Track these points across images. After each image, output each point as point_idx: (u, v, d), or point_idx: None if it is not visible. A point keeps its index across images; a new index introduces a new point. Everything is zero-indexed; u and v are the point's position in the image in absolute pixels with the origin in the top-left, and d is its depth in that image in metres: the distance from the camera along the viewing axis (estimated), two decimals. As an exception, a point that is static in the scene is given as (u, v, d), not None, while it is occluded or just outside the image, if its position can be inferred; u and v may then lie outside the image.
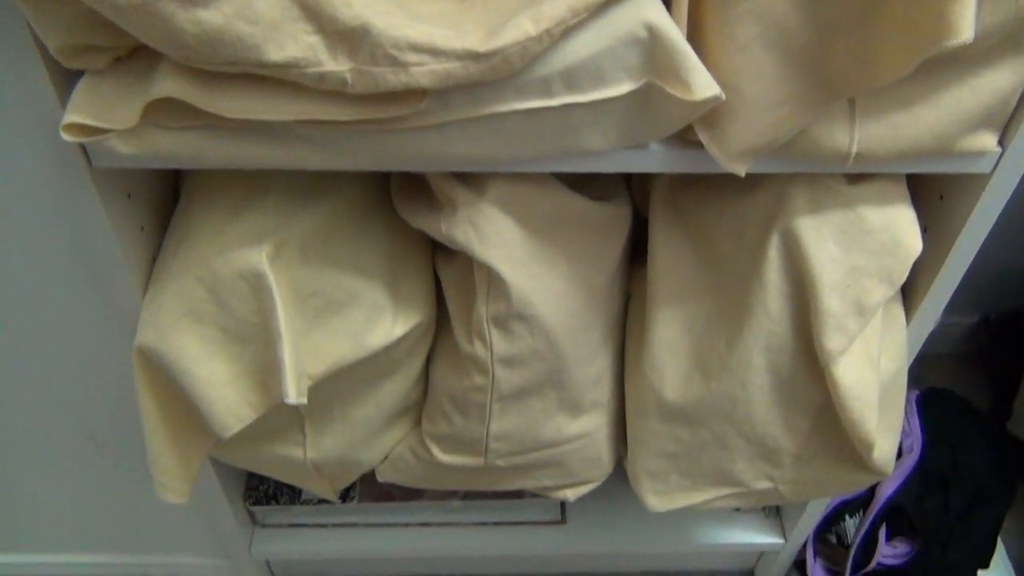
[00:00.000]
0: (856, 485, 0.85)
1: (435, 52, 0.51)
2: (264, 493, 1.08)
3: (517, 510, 1.13)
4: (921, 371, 1.50)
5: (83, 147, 0.61)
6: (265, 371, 0.70)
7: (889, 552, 1.13)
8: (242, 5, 0.49)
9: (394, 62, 0.51)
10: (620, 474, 0.92)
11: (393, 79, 0.52)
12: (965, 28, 0.47)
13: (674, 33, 0.55)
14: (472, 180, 0.68)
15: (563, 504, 1.14)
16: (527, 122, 0.58)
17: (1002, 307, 1.48)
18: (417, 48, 0.51)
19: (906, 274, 0.70)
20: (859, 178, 0.69)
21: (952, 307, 1.39)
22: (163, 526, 1.13)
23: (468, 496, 1.10)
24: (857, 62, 0.54)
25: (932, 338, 1.27)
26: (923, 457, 1.15)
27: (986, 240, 0.73)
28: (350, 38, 0.51)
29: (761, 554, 1.23)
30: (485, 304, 0.71)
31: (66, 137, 0.54)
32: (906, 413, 1.18)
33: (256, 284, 0.67)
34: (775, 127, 0.58)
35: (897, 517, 1.13)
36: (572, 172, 0.65)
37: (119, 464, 1.03)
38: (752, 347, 0.73)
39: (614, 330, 0.83)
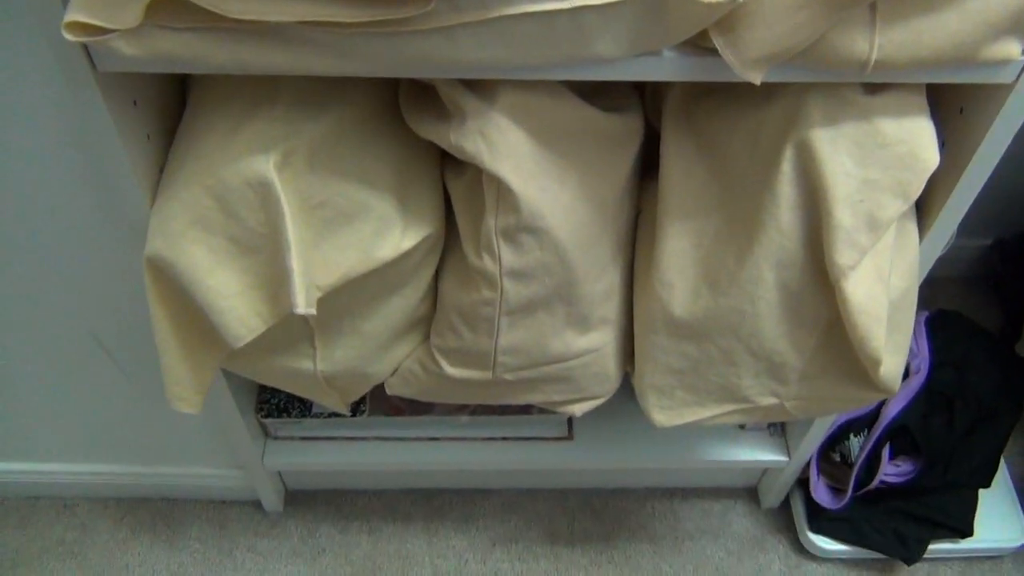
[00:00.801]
0: (862, 402, 0.85)
1: (444, -52, 0.50)
2: (276, 406, 1.09)
3: (524, 426, 1.14)
4: (931, 293, 1.50)
5: (87, 52, 0.60)
6: (274, 282, 0.70)
7: (892, 470, 1.15)
8: None
9: (402, -41, 0.50)
10: (626, 391, 0.92)
11: (401, -23, 0.50)
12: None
13: (691, -69, 0.53)
14: (482, 89, 0.67)
15: (570, 420, 1.16)
16: (538, 26, 0.56)
17: (1014, 230, 1.47)
18: (425, -56, 0.50)
19: (921, 188, 0.69)
20: (877, 89, 0.68)
21: (963, 230, 1.38)
22: (177, 437, 1.15)
23: (476, 412, 1.11)
24: (880, -38, 0.52)
25: (943, 261, 1.26)
26: (930, 377, 1.15)
27: (1000, 161, 0.71)
28: (356, -67, 0.49)
29: (765, 471, 1.25)
30: (494, 216, 0.70)
31: (68, 36, 0.53)
32: (914, 334, 1.18)
33: (264, 193, 0.66)
34: (793, 32, 0.57)
35: (901, 436, 1.14)
36: (584, 81, 0.64)
37: (132, 375, 1.04)
38: (762, 262, 0.72)
39: (623, 246, 0.82)
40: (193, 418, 1.07)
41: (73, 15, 0.53)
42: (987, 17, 0.58)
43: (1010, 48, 0.61)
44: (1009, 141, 0.69)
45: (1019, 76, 0.63)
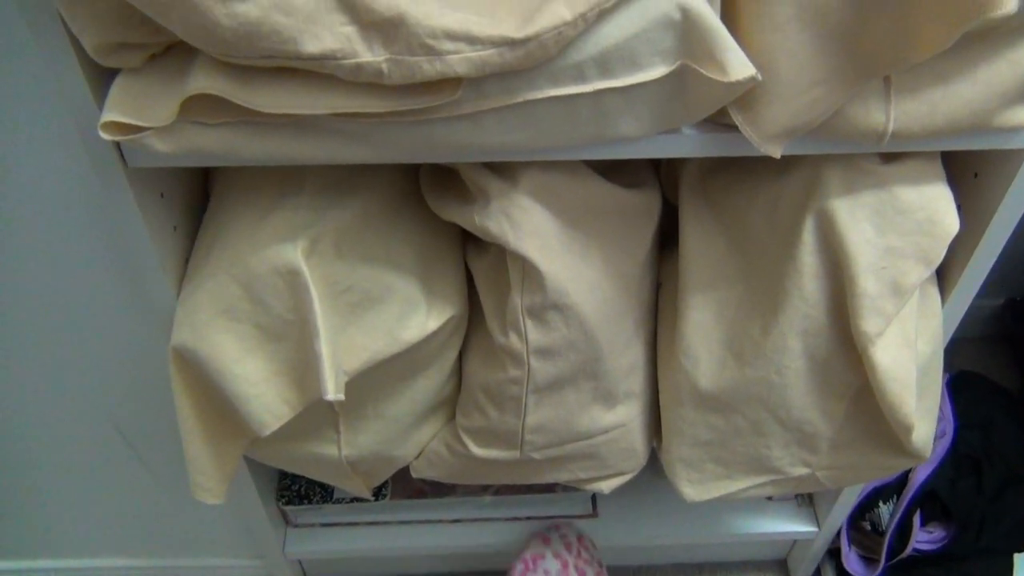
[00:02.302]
0: (894, 470, 0.84)
1: (471, 40, 0.51)
2: (297, 492, 1.08)
3: (549, 504, 1.13)
4: (950, 355, 1.50)
5: (118, 147, 0.61)
6: (302, 368, 0.70)
7: (924, 537, 1.13)
8: (278, -3, 0.49)
9: (430, 51, 0.51)
10: (652, 467, 0.91)
11: (429, 68, 0.52)
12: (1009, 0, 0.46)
13: (708, 14, 0.54)
14: (504, 170, 0.68)
15: (594, 497, 1.14)
16: (561, 109, 0.58)
17: (1027, 290, 1.47)
18: (453, 36, 0.51)
19: (943, 254, 0.69)
20: (893, 157, 0.69)
21: (978, 291, 1.38)
22: (196, 528, 1.14)
23: (500, 491, 1.09)
24: (895, 38, 0.53)
25: (959, 321, 1.26)
26: (955, 440, 1.14)
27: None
28: (385, 28, 0.51)
29: (794, 543, 1.23)
30: (520, 295, 0.70)
31: (104, 136, 0.54)
32: (938, 397, 1.17)
33: (292, 280, 0.67)
34: (811, 107, 0.58)
35: (931, 502, 1.12)
36: (604, 159, 0.65)
37: (153, 467, 1.03)
38: (787, 331, 0.72)
39: (646, 318, 0.83)
40: (214, 508, 1.06)
41: (110, 115, 0.54)
42: (999, 86, 0.59)
43: (1022, 115, 0.62)
44: (1026, 204, 0.70)
45: (1033, 141, 0.65)
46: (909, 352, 0.72)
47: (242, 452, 0.77)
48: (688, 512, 1.13)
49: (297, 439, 0.81)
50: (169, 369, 0.72)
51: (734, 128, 0.61)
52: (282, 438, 0.79)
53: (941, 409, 1.16)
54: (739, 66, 0.55)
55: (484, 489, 1.09)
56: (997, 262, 0.77)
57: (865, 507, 1.14)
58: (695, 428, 0.81)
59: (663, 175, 0.82)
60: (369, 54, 0.52)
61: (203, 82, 0.54)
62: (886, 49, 0.54)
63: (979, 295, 1.51)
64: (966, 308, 0.80)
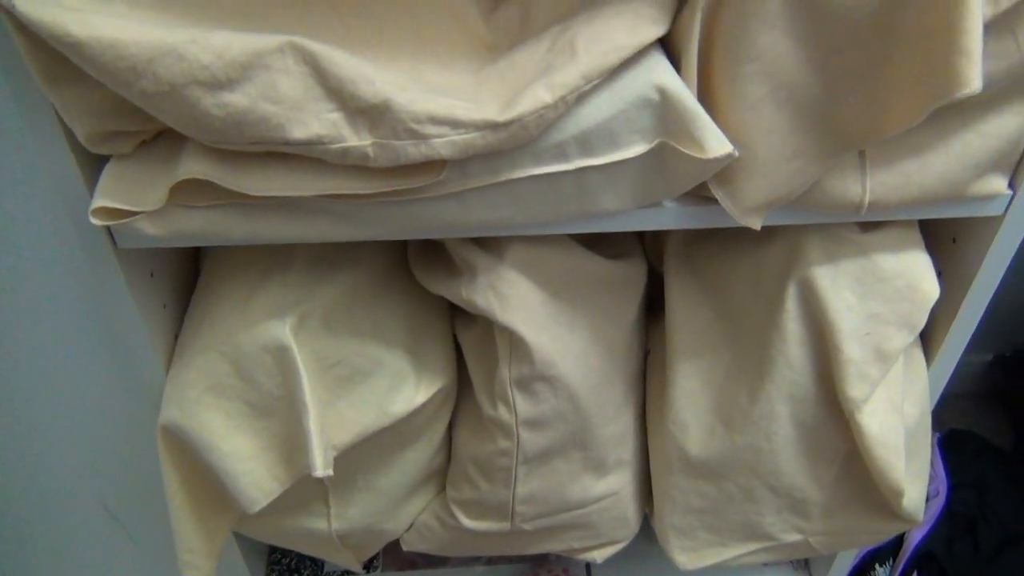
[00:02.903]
0: (887, 534, 0.84)
1: (455, 123, 0.53)
2: (287, 567, 1.06)
3: (542, 574, 1.11)
4: (940, 412, 1.50)
5: (108, 229, 0.62)
6: (291, 444, 0.70)
7: (922, 600, 1.12)
8: (266, 87, 0.50)
9: (415, 135, 0.52)
10: (645, 534, 0.91)
11: (414, 151, 0.53)
12: (974, 78, 0.48)
13: (685, 94, 0.56)
14: (490, 245, 0.69)
15: (588, 566, 1.13)
16: (544, 186, 0.59)
17: (1016, 344, 1.48)
18: (437, 120, 0.52)
19: (924, 319, 0.70)
20: (872, 226, 0.70)
21: (966, 347, 1.39)
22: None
23: (492, 561, 1.08)
24: (867, 114, 0.55)
25: (949, 379, 1.26)
26: (949, 500, 1.14)
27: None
28: (371, 114, 0.52)
29: (792, 608, 1.21)
30: (508, 367, 0.71)
31: (95, 221, 0.55)
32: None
33: (281, 357, 0.67)
34: (788, 181, 0.59)
35: (928, 564, 1.11)
36: (589, 232, 0.66)
37: (142, 545, 1.02)
38: (774, 398, 0.72)
39: (635, 387, 0.83)
40: (202, 585, 1.05)
41: (101, 201, 0.55)
42: (971, 157, 0.61)
43: (996, 184, 0.64)
44: (1004, 268, 0.71)
45: (1007, 208, 0.66)
46: (896, 416, 0.72)
47: (231, 528, 0.77)
48: (683, 579, 1.12)
49: (286, 514, 0.80)
50: (158, 447, 0.71)
51: (714, 201, 0.62)
52: (271, 513, 0.78)
53: (933, 468, 1.16)
54: (716, 143, 0.56)
55: (477, 559, 1.08)
56: (985, 318, 0.78)
57: (861, 571, 1.13)
58: (687, 496, 0.81)
59: (648, 245, 0.83)
60: (356, 139, 0.53)
61: (192, 167, 0.55)
62: (858, 125, 0.56)
63: (967, 352, 1.51)
64: (951, 370, 0.81)
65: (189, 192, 0.57)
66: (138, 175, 0.57)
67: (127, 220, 0.56)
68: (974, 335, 1.50)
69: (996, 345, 1.51)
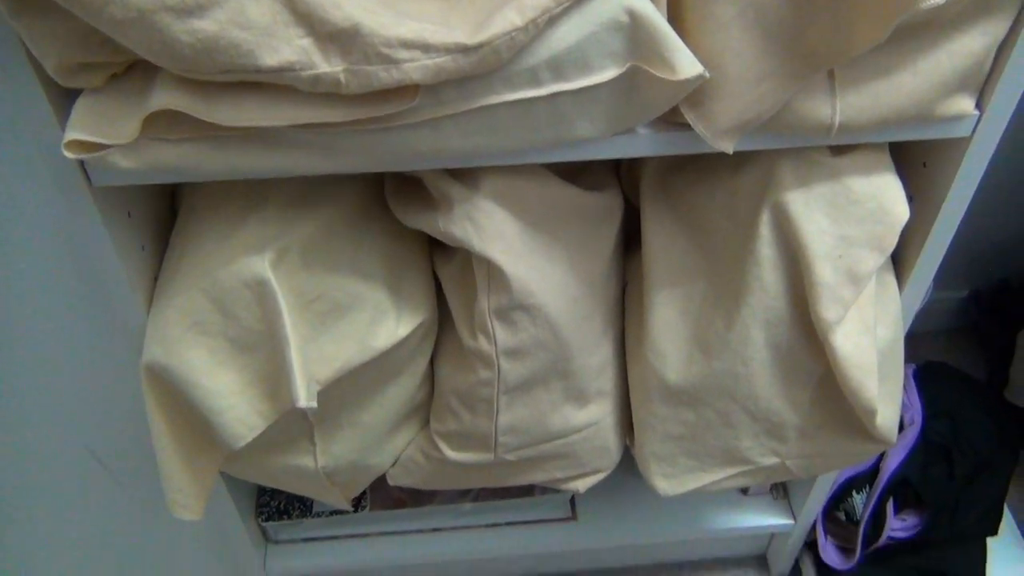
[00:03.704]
0: (862, 456, 0.86)
1: (425, 48, 0.53)
2: (276, 508, 1.08)
3: (528, 509, 1.13)
4: (915, 347, 1.52)
5: (83, 167, 0.62)
6: (273, 379, 0.71)
7: (898, 525, 1.15)
8: (235, 12, 0.50)
9: (386, 60, 0.53)
10: (628, 467, 0.93)
11: (386, 76, 0.53)
12: (936, -11, 0.48)
13: (655, 16, 0.56)
14: (466, 176, 0.69)
15: (573, 501, 1.15)
16: (517, 113, 0.59)
17: (990, 280, 1.50)
18: (408, 44, 0.52)
19: (895, 241, 0.71)
20: (843, 150, 0.71)
21: (942, 283, 1.42)
22: (175, 550, 1.13)
23: (479, 498, 1.10)
24: (834, 33, 0.55)
25: (925, 315, 1.28)
26: (924, 429, 1.16)
27: (971, 214, 0.74)
28: (341, 39, 0.52)
29: (772, 536, 1.24)
30: (487, 297, 0.72)
31: (68, 154, 0.55)
32: (905, 387, 1.19)
33: (260, 291, 0.68)
34: (759, 102, 0.60)
35: (903, 490, 1.14)
36: (564, 162, 0.66)
37: (129, 489, 1.03)
38: (750, 322, 0.74)
39: (614, 318, 0.84)
40: (191, 529, 1.06)
41: (73, 134, 0.55)
42: (939, 76, 0.62)
43: (963, 104, 0.64)
44: (973, 191, 0.72)
45: (975, 129, 0.67)
46: (869, 338, 0.73)
47: (218, 467, 0.78)
48: (666, 511, 1.15)
49: (273, 452, 0.81)
50: (142, 387, 0.72)
51: (687, 126, 0.63)
52: (258, 452, 0.80)
53: (908, 398, 1.19)
54: (687, 65, 0.57)
55: (463, 496, 1.10)
56: (958, 256, 0.80)
57: (839, 498, 1.16)
58: (666, 423, 0.82)
59: (624, 177, 0.84)
60: (327, 65, 0.53)
61: (165, 98, 0.55)
62: (826, 44, 0.56)
63: (944, 288, 1.54)
64: (924, 294, 0.82)
65: (162, 124, 0.57)
66: (110, 108, 0.57)
67: (100, 153, 0.56)
68: (950, 272, 1.52)
69: (972, 281, 1.53)
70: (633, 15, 0.56)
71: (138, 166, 0.58)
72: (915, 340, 1.57)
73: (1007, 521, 1.27)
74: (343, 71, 0.53)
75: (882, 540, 1.13)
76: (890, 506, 1.13)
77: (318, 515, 1.09)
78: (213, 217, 0.71)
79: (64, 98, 0.58)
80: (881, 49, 0.59)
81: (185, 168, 0.59)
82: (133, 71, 0.57)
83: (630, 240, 0.86)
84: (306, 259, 0.70)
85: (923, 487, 1.13)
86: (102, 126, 0.56)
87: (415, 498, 1.09)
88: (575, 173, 0.77)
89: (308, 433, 0.80)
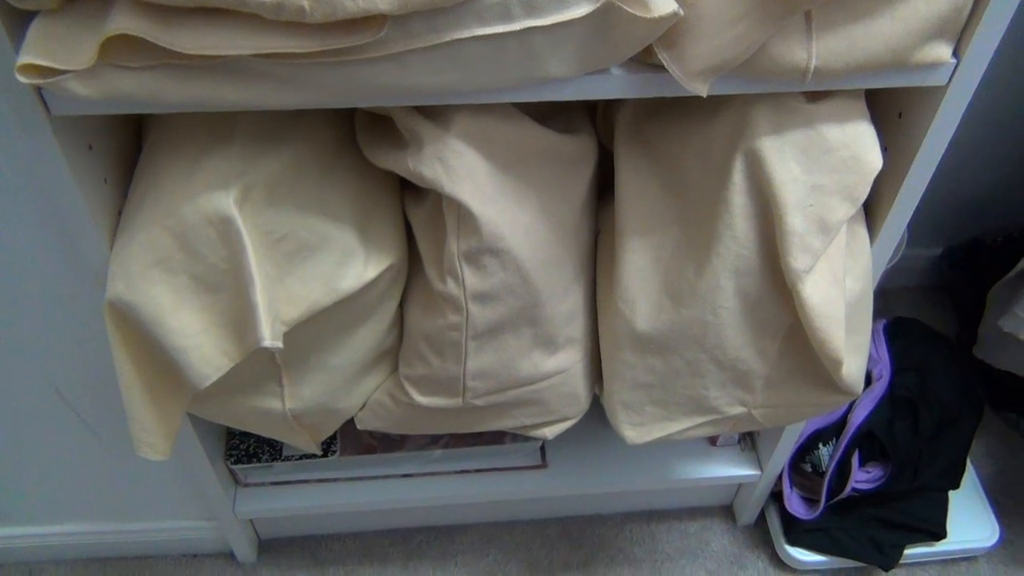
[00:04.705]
0: (828, 407, 0.87)
1: (393, -25, 0.51)
2: (245, 451, 1.08)
3: (498, 456, 1.14)
4: (887, 303, 1.54)
5: (41, 97, 0.60)
6: (239, 319, 0.70)
7: (863, 477, 1.16)
8: (195, -67, 0.49)
9: (352, -13, 0.51)
10: (598, 416, 0.93)
11: (351, 5, 0.52)
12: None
13: (630, -49, 0.55)
14: (437, 115, 0.68)
15: (543, 448, 1.16)
16: (488, 49, 0.58)
17: (961, 238, 1.51)
18: (374, -28, 0.51)
19: (867, 191, 0.71)
20: (819, 96, 0.70)
21: (913, 240, 1.42)
22: (145, 491, 1.13)
23: (449, 444, 1.11)
24: (811, -28, 0.54)
25: (897, 271, 1.29)
26: (892, 383, 1.17)
27: (944, 172, 0.74)
28: (306, -36, 0.51)
29: (739, 487, 1.26)
30: (456, 240, 0.71)
31: (21, 78, 0.53)
32: (874, 341, 1.21)
33: (225, 229, 0.66)
34: (734, 43, 0.59)
35: (869, 443, 1.15)
36: (537, 102, 0.65)
37: (97, 429, 1.02)
38: (720, 271, 0.74)
39: (585, 266, 0.84)
40: (161, 469, 1.06)
41: (26, 58, 0.53)
42: (916, 22, 0.61)
43: (940, 51, 0.64)
44: (947, 142, 0.72)
45: (951, 78, 0.66)
46: (837, 289, 0.73)
47: (185, 407, 0.77)
48: (635, 460, 1.16)
49: (241, 394, 0.81)
50: (106, 325, 0.71)
51: (662, 68, 0.62)
52: (226, 393, 0.79)
53: (877, 352, 1.20)
54: (661, 2, 0.56)
55: (433, 443, 1.10)
56: (932, 211, 0.80)
57: (805, 450, 1.17)
58: (634, 371, 0.82)
59: (599, 122, 0.83)
60: (290, -9, 0.51)
61: (123, 22, 0.53)
62: (804, -17, 0.55)
63: (915, 244, 1.55)
64: (895, 246, 0.82)
65: (121, 51, 0.55)
66: (67, 32, 0.55)
67: (56, 79, 0.55)
68: (922, 229, 1.53)
69: (945, 239, 1.54)
70: (608, -51, 0.54)
71: (97, 94, 0.57)
72: (887, 296, 1.59)
73: (969, 476, 1.30)
74: (307, -2, 0.51)
75: (846, 491, 1.14)
76: (855, 458, 1.15)
77: (288, 459, 1.09)
78: (178, 152, 0.70)
79: (19, 20, 0.55)
80: (860, -8, 0.58)
81: (145, 98, 0.58)
82: (91, -6, 0.55)
83: (604, 190, 0.85)
84: (272, 197, 0.69)
85: (888, 440, 1.14)
86: (58, 50, 0.54)
87: (385, 444, 1.09)
88: (549, 115, 0.76)
89: (276, 375, 0.80)
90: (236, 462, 1.08)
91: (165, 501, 1.16)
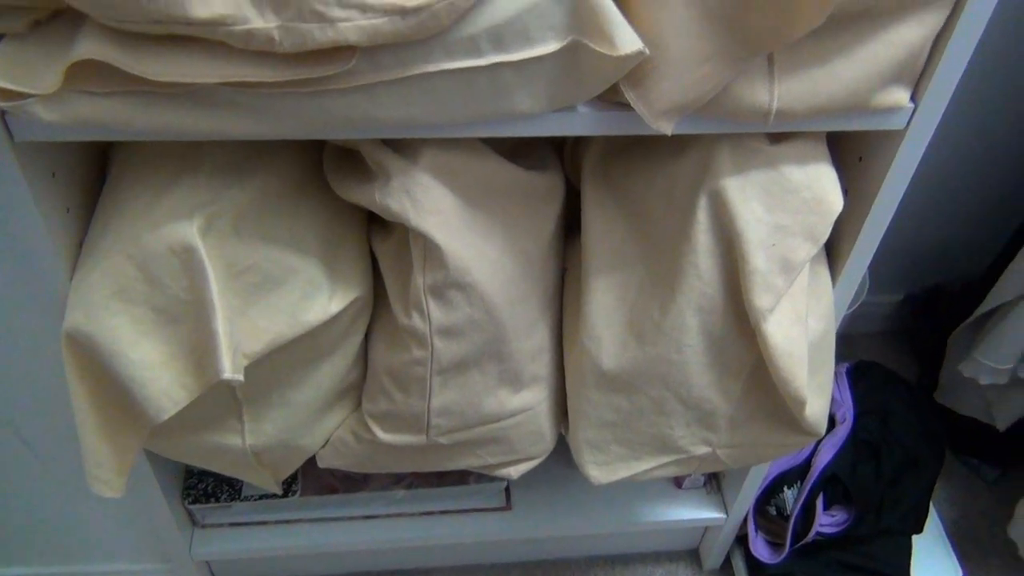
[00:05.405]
0: (792, 447, 0.87)
1: (362, 8, 0.52)
2: (203, 491, 1.06)
3: (462, 498, 1.13)
4: (851, 348, 1.56)
5: (5, 123, 0.59)
6: (199, 351, 0.69)
7: (827, 520, 1.16)
8: (165, -41, 0.49)
9: (321, 18, 0.51)
10: (563, 458, 0.92)
11: (320, 35, 0.52)
12: (872, -28, 0.49)
13: (597, -10, 0.56)
14: (405, 149, 0.68)
15: (508, 490, 1.15)
16: (457, 83, 0.58)
17: (923, 284, 1.54)
18: (344, 3, 0.51)
19: (828, 231, 0.72)
20: (781, 138, 0.72)
21: (877, 286, 1.44)
22: (98, 531, 1.10)
23: (412, 485, 1.09)
24: (774, 15, 0.56)
25: (859, 317, 1.31)
26: (855, 427, 1.18)
27: (905, 220, 0.75)
28: (276, -6, 0.51)
29: (705, 531, 1.25)
30: (422, 274, 0.71)
31: (-16, 101, 0.53)
32: (837, 384, 1.22)
33: (187, 259, 0.66)
34: (699, 83, 0.60)
35: (833, 486, 1.15)
36: (504, 139, 0.66)
37: (51, 466, 0.99)
38: (685, 309, 0.74)
39: (552, 303, 0.84)
40: (115, 508, 1.03)
41: (-10, 80, 0.53)
42: (874, 66, 0.63)
43: (898, 95, 0.65)
44: (906, 185, 0.73)
45: (909, 122, 0.68)
46: (800, 328, 0.74)
47: (141, 443, 0.75)
48: (600, 502, 1.15)
49: (200, 429, 0.79)
50: (63, 355, 0.70)
51: (628, 107, 0.63)
52: (184, 428, 0.78)
53: (841, 395, 1.21)
54: (627, 41, 0.56)
55: (397, 483, 1.09)
56: (893, 259, 0.81)
57: (770, 492, 1.17)
58: (599, 409, 0.82)
59: (567, 160, 0.84)
60: (260, 20, 0.52)
61: (90, 47, 0.53)
62: (766, 27, 0.57)
63: (878, 291, 1.57)
64: (856, 288, 0.83)
65: (87, 76, 0.55)
66: (32, 55, 0.54)
67: (20, 103, 0.54)
68: (884, 276, 1.55)
69: (906, 285, 1.57)
70: (575, -12, 0.55)
71: (61, 120, 0.56)
72: (850, 341, 1.60)
73: (933, 521, 1.30)
74: (277, 28, 0.52)
75: (811, 535, 1.14)
76: (820, 502, 1.15)
77: (247, 499, 1.06)
78: (143, 180, 0.69)
79: (-17, 44, 0.55)
80: (820, 37, 0.59)
81: (111, 124, 0.57)
82: (59, 18, 0.55)
83: (572, 227, 0.86)
84: (237, 228, 0.69)
85: (852, 484, 1.15)
86: (23, 74, 0.54)
87: (347, 484, 1.07)
88: (517, 152, 0.76)
89: (236, 410, 0.78)
90: (194, 502, 1.05)
91: (118, 542, 1.12)
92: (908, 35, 0.62)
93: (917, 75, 0.65)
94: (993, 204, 1.42)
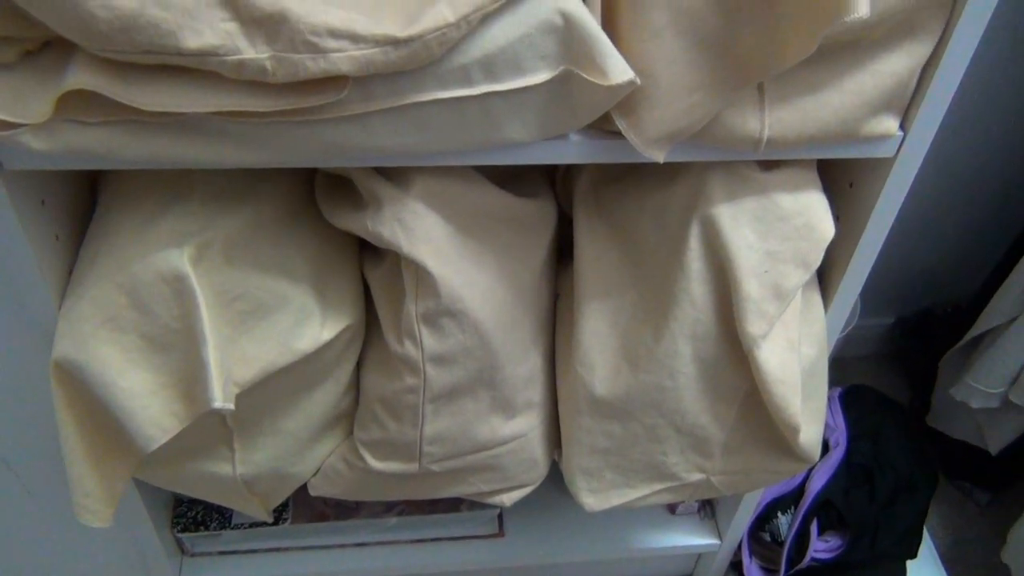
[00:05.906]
0: (785, 474, 0.87)
1: (354, 38, 0.52)
2: (193, 519, 1.04)
3: (454, 525, 1.12)
4: (842, 373, 1.56)
5: (-7, 150, 0.59)
6: (190, 380, 0.69)
7: (821, 546, 1.16)
8: (156, -10, 0.49)
9: (313, 48, 0.52)
10: (556, 485, 0.92)
11: (313, 66, 0.52)
12: (862, 4, 0.49)
13: (588, 20, 0.56)
14: (397, 177, 0.68)
15: (500, 517, 1.14)
16: (449, 113, 0.59)
17: (915, 308, 1.54)
18: (336, 34, 0.51)
19: (820, 257, 0.72)
20: (773, 165, 0.72)
21: (869, 310, 1.45)
22: (87, 561, 1.09)
23: (404, 513, 1.08)
24: (764, 45, 0.56)
25: (850, 341, 1.31)
26: (848, 451, 1.18)
27: (896, 244, 0.76)
28: (268, 24, 0.51)
29: (699, 557, 1.24)
30: (414, 302, 0.71)
31: (-26, 131, 0.53)
32: (830, 409, 1.22)
33: (178, 287, 0.65)
34: (690, 112, 0.60)
35: (827, 511, 1.15)
36: (496, 166, 0.66)
37: (38, 496, 0.98)
38: (678, 336, 0.74)
39: (544, 329, 0.84)
40: (103, 538, 1.02)
41: (-20, 110, 0.53)
42: (864, 95, 0.63)
43: (888, 124, 0.66)
44: (896, 211, 0.73)
45: (898, 150, 0.68)
46: (793, 354, 0.74)
47: (131, 472, 0.75)
48: (594, 529, 1.14)
49: (190, 458, 0.79)
50: (51, 384, 0.69)
51: (619, 135, 0.63)
52: (175, 457, 0.77)
53: (833, 420, 1.21)
54: (619, 70, 0.57)
55: (388, 510, 1.08)
56: (884, 284, 0.81)
57: (764, 518, 1.17)
58: (593, 436, 0.82)
59: (559, 187, 0.84)
60: (252, 51, 0.52)
61: (81, 77, 0.53)
62: (756, 57, 0.57)
63: (870, 315, 1.58)
64: (847, 314, 0.83)
65: (78, 106, 0.55)
66: (23, 85, 0.54)
67: (10, 133, 0.54)
68: (876, 299, 1.56)
69: (897, 309, 1.57)
70: (567, 18, 0.56)
71: (52, 149, 0.56)
72: (842, 365, 1.60)
73: (927, 546, 1.30)
74: (269, 58, 0.52)
75: (805, 561, 1.14)
76: (814, 527, 1.14)
77: (237, 527, 1.05)
78: (133, 208, 0.69)
79: (-26, 75, 0.55)
80: (810, 66, 0.60)
81: (101, 153, 0.57)
82: (49, 49, 0.55)
83: (564, 254, 0.86)
84: (229, 256, 0.68)
85: (846, 508, 1.14)
86: (13, 104, 0.54)
87: (338, 512, 1.06)
88: (509, 179, 0.76)
89: (227, 439, 0.78)
90: (183, 530, 1.04)
91: (106, 572, 1.11)
92: (896, 65, 0.62)
93: (906, 104, 0.66)
94: (982, 228, 1.43)
